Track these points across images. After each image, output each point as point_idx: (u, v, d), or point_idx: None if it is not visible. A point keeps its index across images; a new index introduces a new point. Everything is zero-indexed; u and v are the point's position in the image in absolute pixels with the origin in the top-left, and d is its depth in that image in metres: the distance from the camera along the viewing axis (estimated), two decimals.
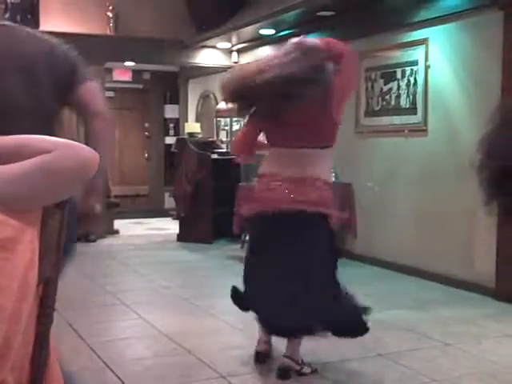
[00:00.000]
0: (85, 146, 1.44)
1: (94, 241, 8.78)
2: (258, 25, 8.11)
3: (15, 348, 1.30)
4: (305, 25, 7.85)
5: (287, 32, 8.24)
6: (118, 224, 9.72)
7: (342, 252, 7.26)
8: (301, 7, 7.17)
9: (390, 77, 6.77)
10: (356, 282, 6.26)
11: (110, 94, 11.38)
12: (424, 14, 6.23)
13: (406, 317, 4.95)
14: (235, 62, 9.79)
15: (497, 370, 3.84)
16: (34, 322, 1.41)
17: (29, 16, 8.29)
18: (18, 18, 8.19)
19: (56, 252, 1.51)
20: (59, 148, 1.39)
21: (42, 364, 1.44)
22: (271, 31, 8.38)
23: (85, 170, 1.43)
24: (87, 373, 3.74)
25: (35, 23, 8.35)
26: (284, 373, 3.66)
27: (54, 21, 8.56)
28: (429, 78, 6.27)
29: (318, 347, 4.19)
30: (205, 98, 10.96)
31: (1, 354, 1.27)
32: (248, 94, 3.58)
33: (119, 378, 3.63)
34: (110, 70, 11.26)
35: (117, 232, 9.57)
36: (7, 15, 8.12)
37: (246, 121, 3.99)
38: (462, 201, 5.84)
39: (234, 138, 3.55)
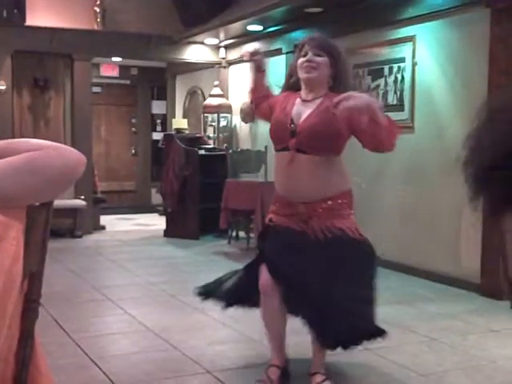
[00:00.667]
0: (71, 148, 1.44)
1: (80, 236, 8.75)
2: (245, 21, 8.11)
3: (0, 343, 1.30)
4: (292, 21, 7.87)
5: (275, 28, 8.26)
6: (104, 220, 9.69)
7: None
8: (288, 3, 7.17)
9: (377, 74, 6.79)
10: None
11: (97, 89, 11.35)
12: (411, 12, 6.24)
13: (393, 312, 4.97)
14: (223, 58, 9.79)
15: (482, 365, 3.87)
16: (18, 317, 1.41)
17: (15, 11, 8.24)
18: (5, 13, 8.14)
19: (41, 248, 1.51)
20: (46, 148, 1.39)
21: (26, 358, 1.44)
22: (259, 27, 8.38)
23: (71, 171, 1.42)
24: (73, 368, 3.73)
25: (22, 18, 8.30)
26: None
27: (40, 16, 8.51)
28: (416, 75, 6.29)
29: (304, 342, 4.20)
30: (192, 93, 10.94)
31: None
32: None
33: (105, 374, 3.63)
34: (97, 66, 11.22)
35: (103, 228, 9.54)
36: None
37: None
38: (448, 197, 5.87)
39: None
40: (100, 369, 3.71)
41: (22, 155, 1.37)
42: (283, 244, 3.51)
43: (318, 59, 3.43)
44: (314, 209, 3.46)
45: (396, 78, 6.54)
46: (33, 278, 1.49)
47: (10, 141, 1.44)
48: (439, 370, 3.75)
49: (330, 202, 3.52)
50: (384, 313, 4.93)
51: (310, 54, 3.45)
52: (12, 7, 8.21)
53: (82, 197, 8.68)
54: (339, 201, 3.58)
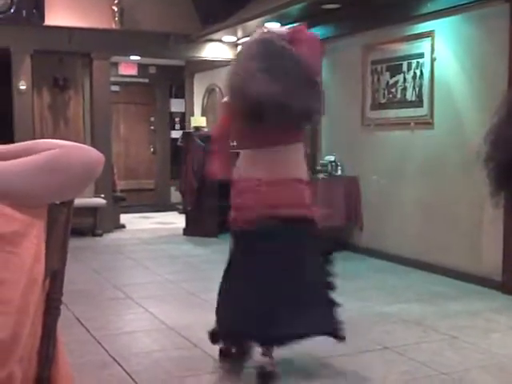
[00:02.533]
0: (91, 148, 1.45)
1: (101, 235, 8.80)
2: (263, 18, 8.08)
3: (23, 341, 1.31)
4: (310, 18, 7.83)
5: (292, 25, 8.22)
6: (124, 218, 9.74)
7: (345, 245, 7.27)
8: (306, 0, 7.15)
9: (396, 69, 6.75)
10: (362, 275, 6.29)
11: (116, 88, 11.39)
12: (430, 7, 6.20)
13: (413, 310, 4.95)
14: None
15: (505, 363, 3.83)
16: (41, 315, 1.42)
17: (34, 11, 8.29)
18: (24, 13, 8.20)
19: (62, 246, 1.52)
20: (65, 147, 1.40)
21: (49, 356, 1.45)
22: (276, 24, 8.35)
23: (90, 170, 1.43)
24: (95, 366, 3.75)
25: (40, 18, 8.36)
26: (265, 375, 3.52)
27: (59, 15, 8.56)
28: (435, 70, 6.25)
29: (325, 340, 4.19)
30: (210, 91, 10.95)
31: (9, 346, 1.28)
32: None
33: (126, 372, 3.64)
34: (115, 65, 11.26)
35: (123, 226, 9.59)
36: (12, 9, 8.12)
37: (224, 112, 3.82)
38: (468, 193, 5.83)
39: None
40: (121, 367, 3.73)
41: (43, 154, 1.37)
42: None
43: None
44: None
45: (415, 73, 6.49)
46: (54, 276, 1.50)
47: (31, 142, 1.46)
48: (461, 369, 3.72)
49: None
50: (404, 310, 4.92)
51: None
52: (31, 7, 8.26)
53: (102, 195, 8.72)
54: None
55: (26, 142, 1.46)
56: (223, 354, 3.80)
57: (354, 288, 5.69)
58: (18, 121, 8.65)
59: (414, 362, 3.80)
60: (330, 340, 4.16)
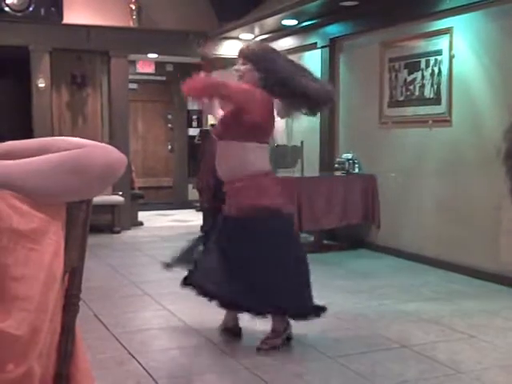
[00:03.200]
0: (113, 148, 1.45)
1: (119, 232, 8.85)
2: (280, 15, 8.09)
3: (42, 337, 1.32)
4: (328, 15, 7.82)
5: (310, 22, 8.22)
6: (141, 216, 9.78)
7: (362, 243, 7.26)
8: None
9: (414, 67, 6.72)
10: (379, 273, 6.28)
11: (134, 86, 11.44)
12: (448, 3, 6.16)
13: (431, 308, 4.93)
14: None
15: None
16: (60, 312, 1.42)
17: (52, 9, 8.34)
18: (42, 11, 8.25)
19: (81, 243, 1.52)
20: (87, 146, 1.41)
21: (68, 352, 1.46)
22: (294, 22, 8.35)
23: (112, 171, 1.43)
24: (113, 363, 3.78)
25: (59, 16, 8.41)
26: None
27: (77, 13, 8.61)
28: (453, 67, 6.21)
29: (342, 338, 4.19)
30: None
31: (28, 342, 1.29)
32: None
33: (144, 369, 3.66)
34: (133, 62, 11.30)
35: (141, 224, 9.63)
36: (31, 8, 8.18)
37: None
38: (487, 191, 5.79)
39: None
40: (139, 363, 3.75)
41: (64, 153, 1.38)
42: None
43: (243, 67, 3.98)
44: None
45: (433, 71, 6.46)
46: (73, 273, 1.51)
47: (50, 139, 1.46)
48: (479, 368, 3.70)
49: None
50: (422, 309, 4.90)
51: (237, 65, 4.05)
52: (49, 5, 8.32)
53: (120, 193, 8.76)
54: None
55: (45, 139, 1.46)
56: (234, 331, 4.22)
57: (371, 286, 5.68)
58: (36, 118, 8.71)
59: (431, 360, 3.78)
60: (348, 338, 4.17)
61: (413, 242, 6.75)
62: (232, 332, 4.19)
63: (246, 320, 4.20)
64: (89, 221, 1.53)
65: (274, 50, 4.12)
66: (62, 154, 1.37)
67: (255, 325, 4.54)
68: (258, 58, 3.95)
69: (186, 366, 3.76)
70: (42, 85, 8.64)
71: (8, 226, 1.29)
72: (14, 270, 1.29)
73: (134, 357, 3.85)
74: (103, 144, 1.43)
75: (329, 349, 3.96)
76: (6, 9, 8.11)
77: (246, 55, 4.00)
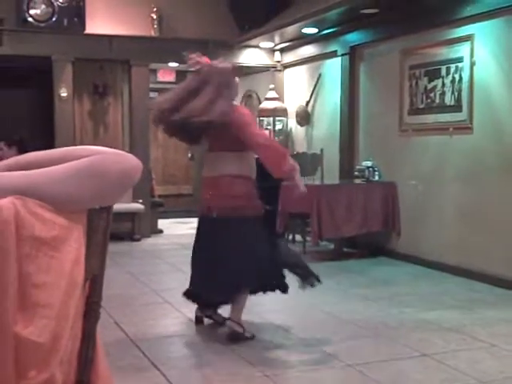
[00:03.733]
0: (129, 154, 1.47)
1: (139, 240, 8.89)
2: (300, 24, 8.10)
3: (63, 344, 1.33)
4: (348, 23, 7.83)
5: (330, 30, 8.22)
6: (161, 223, 9.82)
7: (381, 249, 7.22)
8: (344, 5, 7.14)
9: (434, 74, 6.70)
10: (400, 281, 6.25)
11: (155, 94, 11.48)
12: (469, 10, 6.14)
13: (451, 317, 4.89)
14: (278, 61, 9.80)
15: None
16: (80, 319, 1.44)
17: (75, 19, 8.44)
18: (65, 21, 8.35)
19: (101, 250, 1.54)
20: (104, 153, 1.42)
21: (89, 359, 1.47)
22: (314, 30, 8.36)
23: (129, 177, 1.45)
24: (133, 370, 3.79)
25: (81, 26, 8.50)
26: (233, 336, 4.30)
27: (99, 23, 8.70)
28: (474, 74, 6.18)
29: (361, 346, 4.18)
30: (248, 97, 10.99)
31: (50, 349, 1.30)
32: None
33: (164, 376, 3.67)
34: (154, 71, 11.37)
35: (161, 231, 9.67)
36: (54, 18, 8.28)
37: None
38: (508, 198, 5.75)
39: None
40: (159, 371, 3.76)
41: (83, 160, 1.40)
42: None
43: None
44: None
45: (454, 78, 6.43)
46: (94, 280, 1.52)
47: (70, 148, 1.49)
48: (500, 377, 3.66)
49: None
50: (442, 317, 4.87)
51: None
52: (72, 16, 8.41)
53: (141, 200, 8.81)
54: None
55: (65, 148, 1.49)
56: (197, 320, 4.73)
57: (391, 294, 5.65)
58: (58, 127, 8.79)
59: (452, 369, 3.75)
60: (368, 346, 4.16)
61: (433, 250, 6.71)
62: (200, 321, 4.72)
63: (265, 329, 4.20)
64: (109, 228, 1.55)
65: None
66: (79, 161, 1.39)
67: (274, 333, 4.55)
68: (213, 77, 4.48)
69: (205, 373, 3.77)
70: (64, 94, 8.73)
71: (30, 234, 1.30)
72: (35, 278, 1.30)
73: (153, 364, 3.87)
74: (119, 151, 1.45)
75: (348, 356, 3.95)
76: (30, 19, 8.22)
77: (201, 72, 4.61)
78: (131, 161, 1.46)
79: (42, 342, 1.28)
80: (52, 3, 8.27)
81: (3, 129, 9.58)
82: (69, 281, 1.34)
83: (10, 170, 1.44)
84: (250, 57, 9.80)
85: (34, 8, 8.24)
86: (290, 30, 8.58)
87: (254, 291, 4.52)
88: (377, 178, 7.47)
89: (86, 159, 1.40)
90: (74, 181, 1.38)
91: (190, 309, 5.18)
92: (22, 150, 5.98)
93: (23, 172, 1.40)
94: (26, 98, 10.24)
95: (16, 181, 1.38)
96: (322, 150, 8.13)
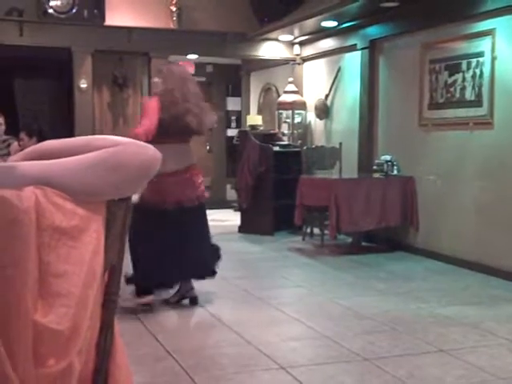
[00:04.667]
0: (148, 145, 1.47)
1: None
2: (320, 17, 8.07)
3: (82, 333, 1.34)
4: (368, 16, 7.78)
5: (350, 24, 8.18)
6: None
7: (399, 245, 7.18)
8: None
9: (454, 69, 6.64)
10: (417, 276, 6.22)
11: None
12: (491, 4, 6.07)
13: (470, 313, 4.87)
14: (297, 55, 9.78)
15: None
16: (99, 309, 1.45)
17: (95, 11, 8.47)
18: (85, 13, 8.38)
19: (120, 241, 1.55)
20: (123, 144, 1.43)
21: (107, 348, 1.48)
22: (334, 23, 8.33)
23: (147, 167, 1.46)
24: (150, 359, 3.81)
25: (101, 18, 8.53)
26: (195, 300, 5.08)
27: (119, 15, 8.72)
28: (495, 69, 6.11)
29: (378, 340, 4.17)
30: (266, 90, 10.98)
31: (69, 338, 1.31)
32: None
33: (181, 366, 3.69)
34: (173, 63, 11.37)
35: None
36: (74, 10, 8.31)
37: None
38: None
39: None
40: (176, 361, 3.78)
41: (102, 151, 1.41)
42: None
43: (155, 80, 5.07)
44: None
45: (474, 72, 6.37)
46: (113, 270, 1.53)
47: (88, 137, 1.49)
48: None
49: None
50: (461, 313, 4.84)
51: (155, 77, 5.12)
52: (92, 7, 8.45)
53: None
54: None
55: (83, 137, 1.50)
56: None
57: (409, 289, 5.63)
58: (78, 118, 8.84)
59: (470, 365, 3.73)
60: (385, 341, 4.15)
61: (452, 245, 6.67)
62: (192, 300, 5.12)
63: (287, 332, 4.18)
64: (128, 219, 1.55)
65: None
66: (98, 152, 1.40)
67: (291, 326, 4.55)
68: (165, 76, 5.05)
69: (222, 364, 3.78)
70: (83, 85, 8.77)
71: (50, 224, 1.31)
72: (55, 267, 1.31)
73: (170, 354, 3.89)
74: (138, 141, 1.46)
75: (365, 351, 3.94)
76: (50, 11, 8.26)
77: (159, 71, 5.14)
78: (150, 152, 1.46)
79: (61, 330, 1.29)
80: None
81: (24, 119, 9.65)
82: (88, 270, 1.35)
83: (29, 159, 1.45)
84: (269, 50, 9.78)
85: None
86: (310, 23, 8.55)
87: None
88: (395, 172, 7.44)
89: (106, 150, 1.41)
90: (94, 172, 1.38)
91: (207, 299, 5.21)
92: (42, 140, 6.02)
93: (43, 161, 1.41)
94: (47, 89, 10.31)
95: (36, 170, 1.39)
96: (340, 144, 8.10)
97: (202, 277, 5.12)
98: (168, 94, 4.84)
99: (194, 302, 5.09)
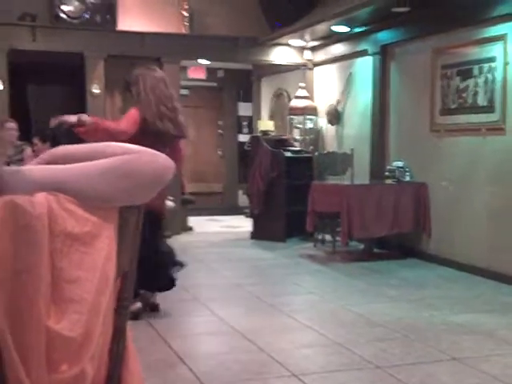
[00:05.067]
0: (161, 154, 1.47)
1: (169, 237, 8.91)
2: (331, 22, 8.07)
3: (95, 339, 1.34)
4: (379, 22, 7.77)
5: (361, 29, 8.17)
6: (192, 221, 9.86)
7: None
8: (375, 3, 7.09)
9: (466, 74, 6.61)
10: (430, 283, 6.18)
11: (185, 92, 11.54)
12: (502, 9, 6.04)
13: (484, 321, 4.83)
14: (308, 60, 9.77)
15: None
16: (112, 315, 1.45)
17: (107, 16, 8.50)
18: (98, 18, 8.41)
19: (132, 247, 1.54)
20: (137, 153, 1.43)
21: (120, 355, 1.48)
22: (345, 28, 8.31)
23: (160, 176, 1.46)
24: (162, 366, 3.81)
25: (114, 23, 8.56)
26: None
27: (131, 20, 8.75)
28: (508, 75, 6.08)
29: (391, 348, 4.14)
30: (278, 95, 10.97)
31: (81, 344, 1.31)
32: None
33: (193, 372, 3.68)
34: (184, 69, 11.42)
35: (191, 229, 9.70)
36: (87, 15, 8.35)
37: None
38: None
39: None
40: (188, 367, 3.77)
41: (114, 158, 1.41)
42: None
43: (131, 83, 5.08)
44: None
45: (486, 78, 6.34)
46: (125, 276, 1.53)
47: (101, 144, 1.49)
48: None
49: None
50: (474, 321, 4.81)
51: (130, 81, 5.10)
52: (105, 13, 8.48)
53: (171, 198, 8.83)
54: None
55: (97, 144, 1.50)
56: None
57: (422, 296, 5.60)
58: None
59: (484, 374, 3.70)
60: (397, 348, 4.12)
61: (464, 252, 6.63)
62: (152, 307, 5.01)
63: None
64: (140, 225, 1.55)
65: None
66: (111, 160, 1.40)
67: (303, 333, 4.54)
68: (134, 80, 5.13)
69: (234, 371, 3.76)
70: (96, 91, 8.80)
71: (63, 229, 1.31)
72: (67, 273, 1.31)
73: (183, 361, 3.88)
74: (152, 150, 1.46)
75: (377, 358, 3.92)
76: (63, 16, 8.30)
77: (130, 76, 5.17)
78: (164, 161, 1.46)
79: (73, 336, 1.29)
80: (84, 0, 8.34)
81: (37, 124, 9.69)
82: (101, 277, 1.35)
83: (45, 164, 1.45)
84: (280, 55, 9.78)
85: (67, 4, 8.32)
86: (321, 29, 8.54)
87: None
88: (408, 178, 7.41)
89: (120, 158, 1.41)
90: (107, 179, 1.39)
91: (220, 306, 5.20)
92: (56, 146, 6.04)
93: (57, 166, 1.42)
94: (60, 93, 10.35)
95: (48, 175, 1.39)
96: (352, 150, 8.08)
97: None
98: (143, 102, 4.82)
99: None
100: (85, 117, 4.49)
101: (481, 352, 4.11)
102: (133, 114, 4.74)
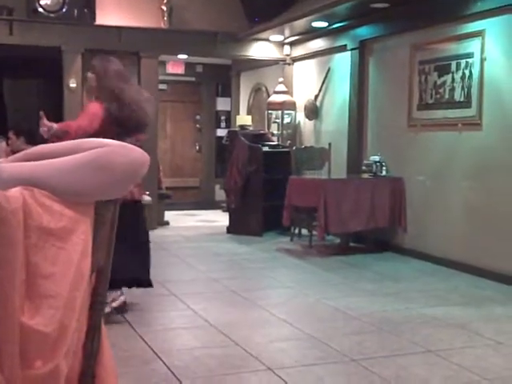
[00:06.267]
0: (136, 147, 1.47)
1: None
2: (310, 17, 8.08)
3: (69, 335, 1.34)
4: (358, 17, 7.80)
5: (340, 24, 8.20)
6: (168, 215, 9.83)
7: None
8: None
9: (444, 69, 6.67)
10: (406, 277, 6.24)
11: (163, 86, 11.50)
12: (480, 6, 6.10)
13: (457, 313, 4.89)
14: (287, 55, 9.78)
15: None
16: (86, 310, 1.45)
17: (85, 10, 8.43)
18: (75, 12, 8.34)
19: (108, 243, 1.55)
20: (111, 145, 1.43)
21: (94, 351, 1.48)
22: (324, 24, 8.34)
23: (135, 170, 1.46)
24: (137, 361, 3.80)
25: (91, 18, 8.50)
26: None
27: (109, 15, 8.69)
28: (484, 70, 6.15)
29: (366, 341, 4.18)
30: (257, 90, 10.98)
31: (56, 340, 1.31)
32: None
33: (168, 368, 3.68)
34: (163, 63, 11.37)
35: (167, 223, 9.68)
36: (64, 9, 8.27)
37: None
38: None
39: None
40: (163, 362, 3.77)
41: (89, 152, 1.41)
42: None
43: (89, 75, 4.80)
44: None
45: (464, 73, 6.40)
46: (100, 272, 1.53)
47: (77, 141, 1.49)
48: (505, 375, 3.66)
49: None
50: (448, 314, 4.87)
51: (88, 72, 4.85)
52: (82, 7, 8.41)
53: (148, 192, 8.81)
54: None
55: (73, 141, 1.50)
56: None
57: (397, 289, 5.65)
58: (67, 117, 8.79)
59: (457, 366, 3.75)
60: (372, 341, 4.16)
61: (440, 246, 6.70)
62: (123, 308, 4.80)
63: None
64: (116, 220, 1.55)
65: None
66: (84, 154, 1.40)
67: (279, 327, 4.56)
68: (99, 74, 4.72)
69: (209, 366, 3.77)
70: (73, 85, 8.74)
71: (38, 224, 1.31)
72: (42, 268, 1.31)
73: (158, 356, 3.88)
74: (126, 143, 1.46)
75: (352, 352, 3.95)
76: (40, 9, 8.22)
77: (93, 67, 4.78)
78: (137, 154, 1.46)
79: (48, 332, 1.29)
80: None
81: (13, 118, 9.61)
82: (76, 272, 1.35)
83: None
84: (259, 50, 9.78)
85: None
86: (300, 24, 8.56)
87: None
88: (384, 173, 7.46)
89: (92, 152, 1.41)
90: (80, 173, 1.38)
91: (195, 301, 5.20)
92: (31, 140, 6.00)
93: (31, 162, 1.41)
94: (36, 88, 10.27)
95: (23, 171, 1.39)
96: (330, 144, 8.12)
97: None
98: (108, 95, 4.57)
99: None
100: (54, 128, 4.41)
101: (455, 344, 4.17)
102: (94, 107, 4.60)
